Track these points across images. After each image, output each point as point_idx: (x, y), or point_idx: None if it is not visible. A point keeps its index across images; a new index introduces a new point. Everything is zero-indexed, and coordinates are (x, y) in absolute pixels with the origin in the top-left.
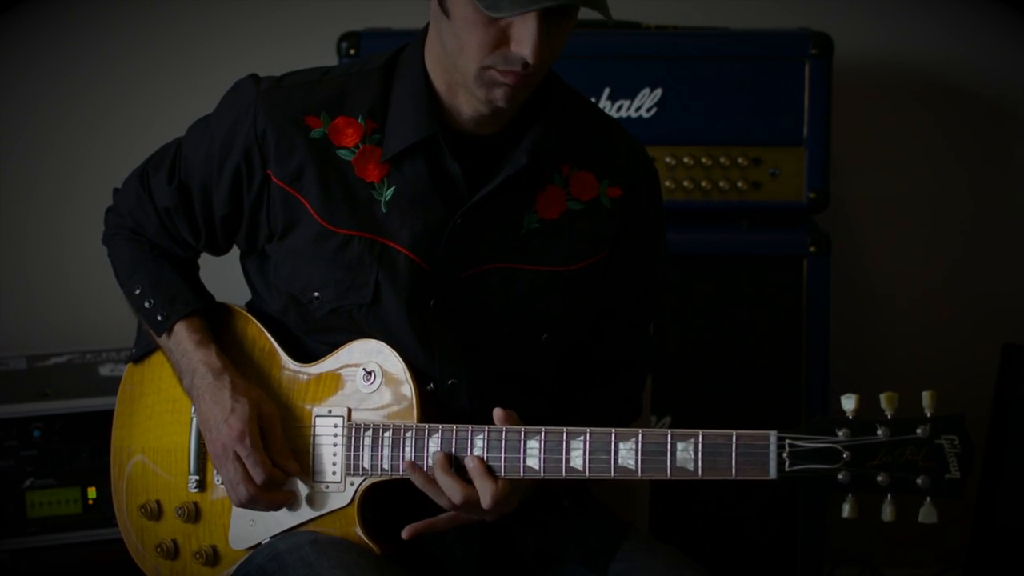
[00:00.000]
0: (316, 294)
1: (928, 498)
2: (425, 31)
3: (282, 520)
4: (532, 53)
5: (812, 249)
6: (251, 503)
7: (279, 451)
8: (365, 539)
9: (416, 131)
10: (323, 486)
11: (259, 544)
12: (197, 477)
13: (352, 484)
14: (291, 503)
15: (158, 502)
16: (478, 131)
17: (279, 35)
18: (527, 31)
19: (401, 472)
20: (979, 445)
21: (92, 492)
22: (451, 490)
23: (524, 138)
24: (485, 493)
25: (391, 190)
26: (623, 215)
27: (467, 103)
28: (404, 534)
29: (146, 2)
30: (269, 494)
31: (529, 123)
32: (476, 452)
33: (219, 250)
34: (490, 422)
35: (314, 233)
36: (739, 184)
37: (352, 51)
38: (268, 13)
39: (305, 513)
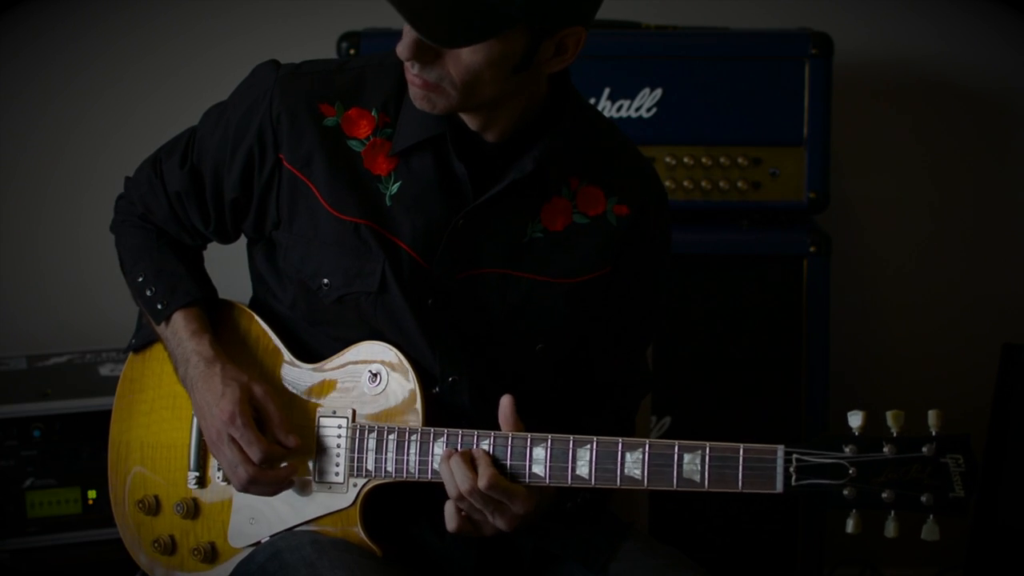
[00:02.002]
0: (325, 281)
1: (931, 516)
2: None
3: (283, 518)
4: (400, 49)
5: (812, 249)
6: (252, 484)
7: (277, 425)
8: (367, 540)
9: (426, 128)
10: (326, 486)
11: (258, 542)
12: (197, 473)
13: (355, 485)
14: (290, 488)
15: (156, 497)
16: (483, 136)
17: (279, 35)
18: (406, 29)
19: (405, 476)
20: (979, 445)
21: (92, 492)
22: (460, 477)
23: (534, 146)
24: (483, 476)
25: (397, 185)
26: (629, 234)
27: None
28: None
29: (152, 7)
30: (269, 473)
31: (541, 133)
32: None
33: (227, 237)
34: (492, 423)
35: (322, 219)
36: (739, 184)
37: (352, 51)
38: (268, 13)
39: (307, 512)
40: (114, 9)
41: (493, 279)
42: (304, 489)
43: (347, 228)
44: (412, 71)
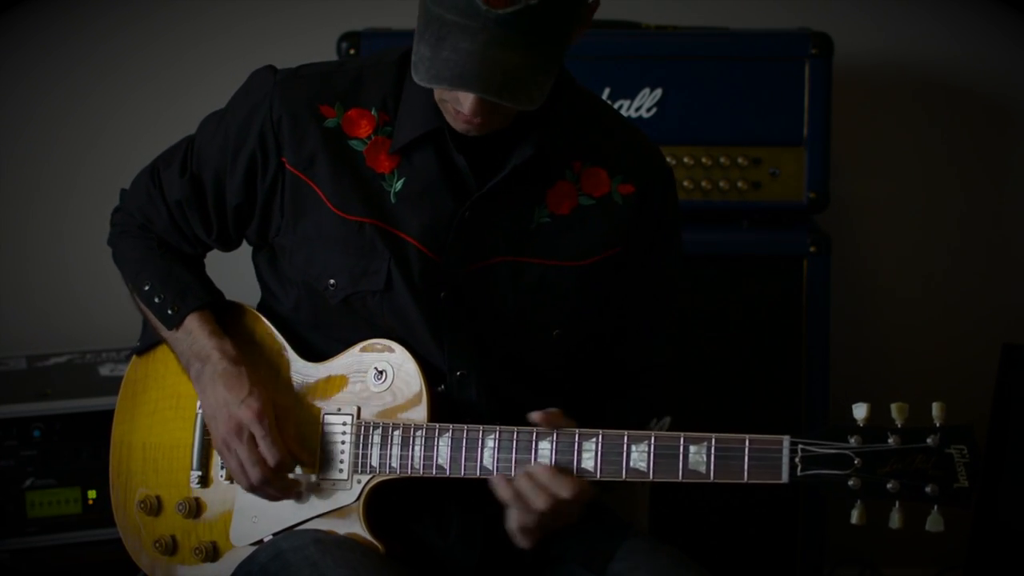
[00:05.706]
0: (332, 281)
1: (936, 506)
2: None
3: (286, 516)
4: (471, 113)
5: (812, 249)
6: (263, 485)
7: (289, 439)
8: (369, 537)
9: (424, 123)
10: (330, 483)
11: (260, 540)
12: (200, 473)
13: (359, 482)
14: (296, 497)
15: (158, 497)
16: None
17: (279, 35)
18: (464, 96)
19: (410, 471)
20: (979, 445)
21: (92, 492)
22: (537, 499)
23: (532, 131)
24: (563, 488)
25: (400, 181)
26: (636, 212)
27: None
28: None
29: (147, 3)
30: (279, 479)
31: (538, 119)
32: (487, 451)
33: (230, 244)
34: (499, 417)
35: (327, 220)
36: (739, 184)
37: (352, 51)
38: (268, 13)
39: (310, 509)
40: (109, 7)
41: (504, 267)
42: (307, 491)
43: (352, 228)
44: (475, 119)
